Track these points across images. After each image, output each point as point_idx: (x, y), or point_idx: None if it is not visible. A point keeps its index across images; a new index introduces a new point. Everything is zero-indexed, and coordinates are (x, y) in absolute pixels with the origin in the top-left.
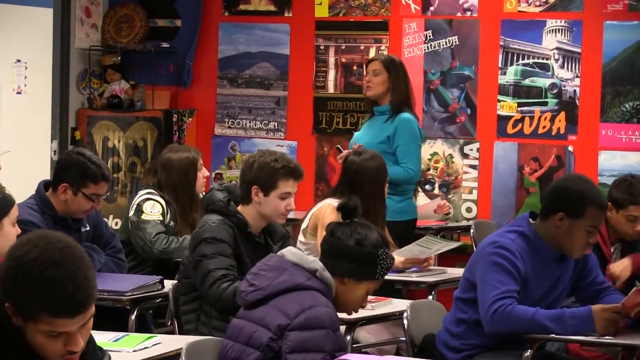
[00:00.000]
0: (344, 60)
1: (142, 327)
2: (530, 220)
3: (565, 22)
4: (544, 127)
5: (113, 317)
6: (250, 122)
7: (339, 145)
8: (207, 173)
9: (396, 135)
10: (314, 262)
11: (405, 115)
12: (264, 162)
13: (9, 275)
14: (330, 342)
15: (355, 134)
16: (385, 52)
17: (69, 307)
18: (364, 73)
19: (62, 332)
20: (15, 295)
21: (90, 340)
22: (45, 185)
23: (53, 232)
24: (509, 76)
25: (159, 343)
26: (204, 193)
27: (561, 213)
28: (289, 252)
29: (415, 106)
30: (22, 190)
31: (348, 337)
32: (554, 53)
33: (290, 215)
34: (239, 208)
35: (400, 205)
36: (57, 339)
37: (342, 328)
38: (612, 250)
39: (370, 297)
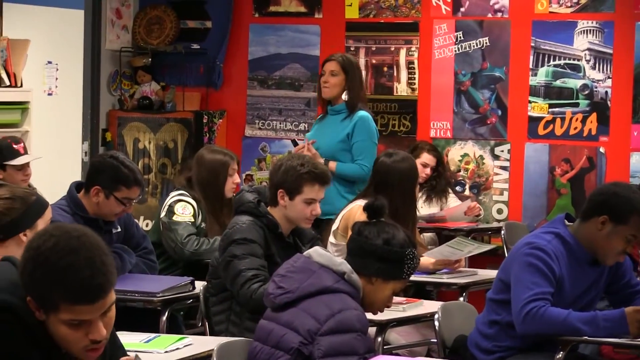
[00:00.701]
0: (374, 61)
1: (173, 328)
2: (566, 222)
3: (596, 23)
4: (575, 128)
5: (144, 319)
6: (280, 124)
7: (295, 139)
8: (238, 180)
9: (355, 133)
10: (342, 264)
11: (363, 113)
12: (290, 165)
13: (27, 267)
14: (362, 344)
15: (308, 134)
16: (340, 52)
17: (88, 293)
18: (319, 72)
19: (84, 320)
20: (35, 287)
21: (113, 334)
22: (76, 186)
23: (69, 224)
24: (540, 77)
25: (190, 344)
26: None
27: (605, 216)
28: (316, 253)
29: (366, 104)
30: (53, 192)
31: (379, 339)
32: (585, 54)
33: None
34: (269, 209)
35: None
36: (79, 329)
37: (373, 329)
38: None
39: (401, 299)
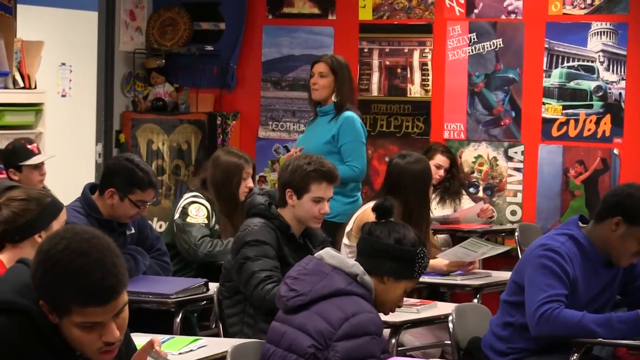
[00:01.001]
0: (387, 63)
1: (187, 329)
2: (580, 223)
3: (610, 25)
4: (589, 129)
5: (158, 320)
6: (294, 125)
7: (287, 145)
8: (252, 184)
9: (340, 134)
10: (355, 266)
11: (349, 113)
12: (297, 165)
13: (39, 270)
14: (378, 346)
15: (300, 136)
16: (330, 53)
17: (99, 295)
18: (310, 74)
19: (97, 322)
20: (47, 290)
21: (127, 336)
22: (90, 188)
23: (80, 226)
24: (554, 79)
25: (204, 346)
26: None
27: (619, 217)
28: (327, 254)
29: (356, 104)
30: (67, 193)
31: (393, 340)
32: (599, 55)
33: (335, 219)
34: (279, 211)
35: (347, 207)
36: (93, 331)
37: (387, 331)
38: None
39: (415, 300)
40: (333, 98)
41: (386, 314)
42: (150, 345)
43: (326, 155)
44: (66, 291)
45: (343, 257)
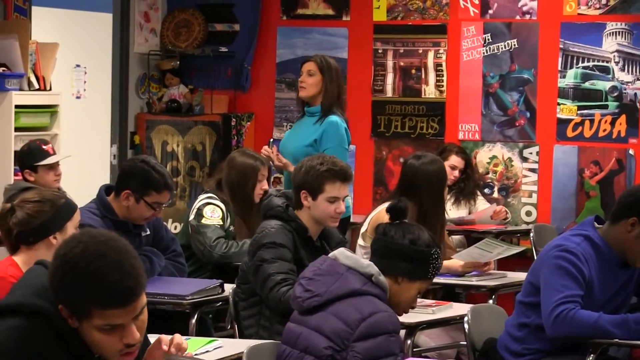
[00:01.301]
0: (402, 63)
1: (202, 331)
2: (596, 224)
3: (625, 25)
4: (605, 130)
5: (173, 321)
6: None
7: (272, 139)
8: (267, 186)
9: (323, 139)
10: (369, 266)
11: (334, 118)
12: (310, 165)
13: (57, 274)
14: (397, 344)
15: (286, 133)
16: (320, 54)
17: (118, 297)
18: (300, 73)
19: (117, 325)
20: (66, 294)
21: (145, 337)
22: (106, 189)
23: (96, 228)
24: (569, 79)
25: (220, 347)
26: None
27: (634, 218)
28: (342, 255)
29: (346, 109)
30: (81, 195)
31: (408, 341)
32: (614, 56)
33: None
34: (295, 213)
35: None
36: (113, 334)
37: (402, 332)
38: None
39: (430, 301)
40: (321, 98)
41: (400, 314)
42: (158, 343)
43: (303, 157)
44: (86, 294)
45: (357, 257)
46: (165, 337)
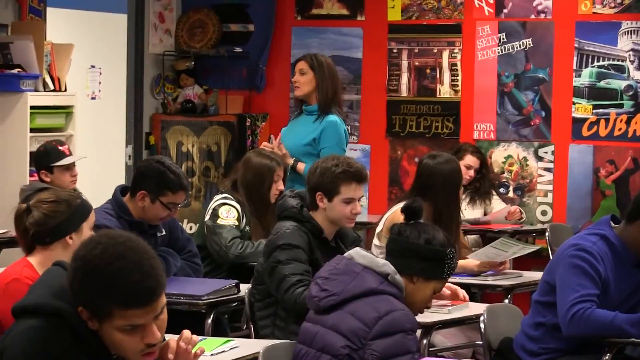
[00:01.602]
0: (417, 63)
1: (218, 331)
2: (612, 223)
3: None
4: (620, 129)
5: (189, 322)
6: None
7: (271, 135)
8: (282, 187)
9: (322, 138)
10: (385, 265)
11: (333, 117)
12: (325, 167)
13: (76, 276)
14: (413, 342)
15: (283, 129)
16: (312, 53)
17: (139, 297)
18: (293, 73)
19: (138, 325)
20: (86, 296)
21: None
22: (121, 190)
23: (114, 230)
24: (584, 78)
25: (236, 347)
26: None
27: None
28: (357, 254)
29: (341, 107)
30: (97, 195)
31: (424, 341)
32: (629, 55)
33: (364, 219)
34: (310, 214)
35: None
36: (134, 334)
37: (418, 332)
38: None
39: (446, 301)
40: (316, 96)
41: (415, 314)
42: (166, 348)
43: (303, 156)
44: (107, 295)
45: (373, 256)
46: (174, 340)
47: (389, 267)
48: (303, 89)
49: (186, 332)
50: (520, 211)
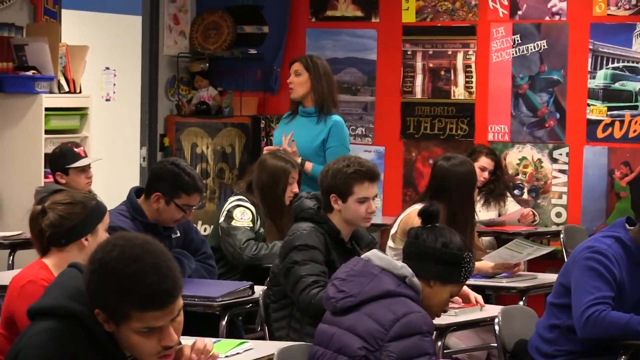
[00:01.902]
0: (431, 65)
1: (233, 333)
2: (627, 225)
3: None
4: (635, 131)
5: (204, 323)
6: None
7: (284, 132)
8: (297, 189)
9: (329, 138)
10: (403, 267)
11: (338, 118)
12: (337, 168)
13: (93, 278)
14: (430, 344)
15: (276, 132)
16: (306, 55)
17: (157, 299)
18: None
19: (155, 327)
20: (104, 298)
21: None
22: (136, 191)
23: (130, 232)
24: (599, 80)
25: (250, 349)
26: None
27: None
28: (375, 256)
29: (338, 107)
30: (111, 197)
31: (439, 343)
32: None
33: (379, 221)
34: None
35: None
36: (151, 336)
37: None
38: None
39: (456, 305)
40: (312, 98)
41: (432, 318)
42: (181, 352)
43: (314, 157)
44: (124, 297)
45: (391, 259)
46: (188, 348)
47: (406, 270)
48: (298, 91)
49: (199, 342)
50: (534, 214)
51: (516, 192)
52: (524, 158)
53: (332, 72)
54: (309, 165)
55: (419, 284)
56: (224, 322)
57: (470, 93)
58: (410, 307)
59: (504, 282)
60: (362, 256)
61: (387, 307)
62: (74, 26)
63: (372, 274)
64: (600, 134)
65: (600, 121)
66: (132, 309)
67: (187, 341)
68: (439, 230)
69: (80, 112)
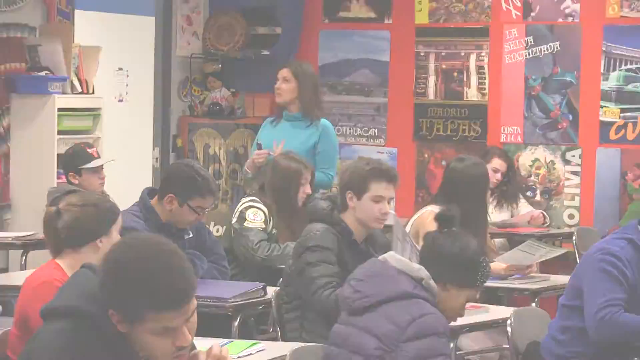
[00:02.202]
0: (444, 66)
1: (245, 333)
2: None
3: None
4: None
5: (216, 324)
6: (350, 129)
7: (260, 142)
8: (310, 190)
9: (320, 142)
10: (420, 270)
11: (327, 122)
12: (356, 166)
13: (108, 279)
14: (446, 345)
15: (262, 135)
16: (295, 60)
17: (172, 299)
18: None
19: (169, 328)
20: (118, 298)
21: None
22: (149, 192)
23: (144, 233)
24: (612, 82)
25: (263, 349)
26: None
27: None
28: (392, 258)
29: (322, 111)
30: (124, 198)
31: (451, 344)
32: None
33: (391, 222)
34: (341, 216)
35: None
36: (166, 337)
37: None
38: None
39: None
40: (298, 104)
41: (448, 322)
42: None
43: None
44: (139, 298)
45: (408, 261)
46: (203, 354)
47: (423, 272)
48: (284, 96)
49: (215, 348)
50: (544, 216)
51: (529, 193)
52: (536, 160)
53: (318, 78)
54: None
55: (435, 286)
56: (236, 323)
57: (483, 94)
58: (427, 309)
59: (516, 284)
60: (380, 257)
61: (403, 308)
62: (87, 27)
63: (389, 275)
64: (613, 136)
65: (613, 123)
66: (147, 310)
67: (199, 342)
68: (456, 235)
69: (93, 113)
